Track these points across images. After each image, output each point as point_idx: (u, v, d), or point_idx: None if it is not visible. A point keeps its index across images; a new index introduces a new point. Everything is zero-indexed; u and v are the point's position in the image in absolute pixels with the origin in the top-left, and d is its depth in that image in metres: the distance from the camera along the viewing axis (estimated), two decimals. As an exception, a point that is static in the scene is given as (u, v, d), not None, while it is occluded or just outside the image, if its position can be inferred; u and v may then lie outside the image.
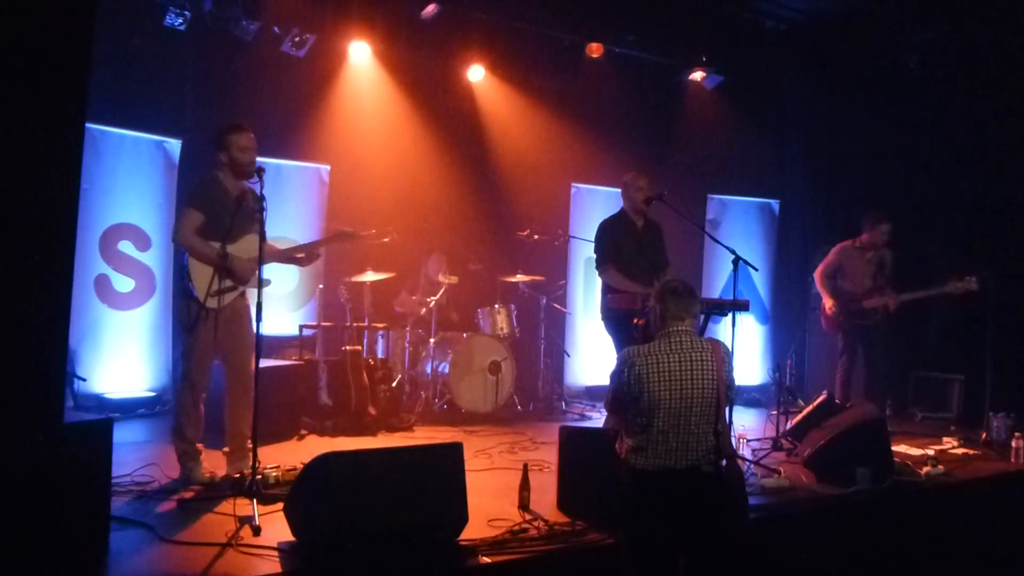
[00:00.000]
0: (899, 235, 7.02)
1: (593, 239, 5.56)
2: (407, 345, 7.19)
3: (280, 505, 3.71)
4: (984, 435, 6.09)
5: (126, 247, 6.71)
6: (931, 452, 5.66)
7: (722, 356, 3.33)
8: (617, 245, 5.37)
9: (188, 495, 4.19)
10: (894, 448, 5.23)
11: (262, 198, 4.23)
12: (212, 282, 4.30)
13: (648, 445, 3.24)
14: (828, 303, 6.80)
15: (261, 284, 4.23)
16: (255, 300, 4.09)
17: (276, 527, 3.63)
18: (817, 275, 6.97)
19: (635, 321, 4.18)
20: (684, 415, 3.21)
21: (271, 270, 4.62)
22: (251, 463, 4.03)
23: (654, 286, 5.08)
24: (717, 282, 8.62)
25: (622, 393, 3.32)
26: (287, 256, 4.92)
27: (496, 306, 7.44)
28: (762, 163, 9.11)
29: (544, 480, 4.53)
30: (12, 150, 2.73)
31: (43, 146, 2.80)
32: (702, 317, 4.68)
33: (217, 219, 4.37)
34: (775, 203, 9.34)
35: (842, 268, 6.88)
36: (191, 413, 4.45)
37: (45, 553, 2.87)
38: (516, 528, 3.75)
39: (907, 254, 6.97)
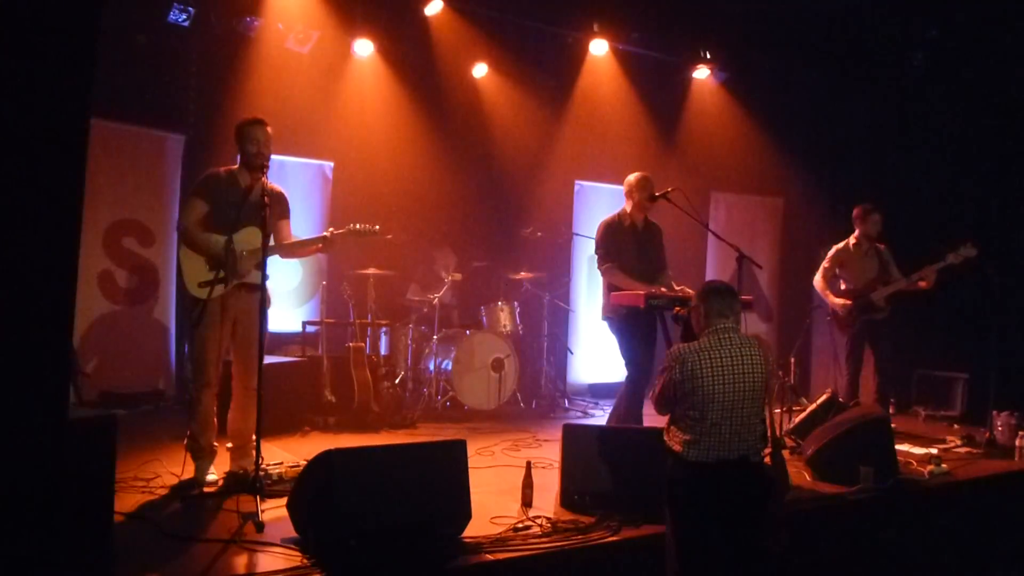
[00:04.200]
0: (903, 232, 6.99)
1: (594, 237, 5.57)
2: (410, 342, 7.19)
3: (283, 501, 3.71)
4: (988, 434, 6.06)
5: (130, 243, 6.73)
6: (934, 451, 5.65)
7: (766, 351, 3.51)
8: (618, 244, 5.36)
9: (192, 491, 4.20)
10: (897, 447, 5.22)
11: (276, 193, 4.21)
12: (202, 272, 4.29)
13: (702, 438, 3.37)
14: (838, 303, 6.72)
15: (264, 279, 4.22)
16: (270, 298, 4.05)
17: (279, 524, 3.64)
18: (817, 282, 6.84)
19: (676, 310, 4.21)
20: (737, 407, 3.36)
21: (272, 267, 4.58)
22: (254, 460, 4.03)
23: (654, 285, 5.12)
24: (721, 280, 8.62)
25: (671, 389, 3.44)
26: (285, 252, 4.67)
27: (499, 303, 7.43)
28: (766, 161, 9.10)
29: (547, 477, 4.54)
30: (17, 145, 2.73)
31: (48, 141, 2.80)
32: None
33: (222, 210, 4.36)
34: (779, 201, 9.33)
35: (841, 269, 6.82)
36: (207, 420, 4.40)
37: (50, 548, 2.88)
38: (519, 525, 3.76)
39: (911, 251, 6.94)
